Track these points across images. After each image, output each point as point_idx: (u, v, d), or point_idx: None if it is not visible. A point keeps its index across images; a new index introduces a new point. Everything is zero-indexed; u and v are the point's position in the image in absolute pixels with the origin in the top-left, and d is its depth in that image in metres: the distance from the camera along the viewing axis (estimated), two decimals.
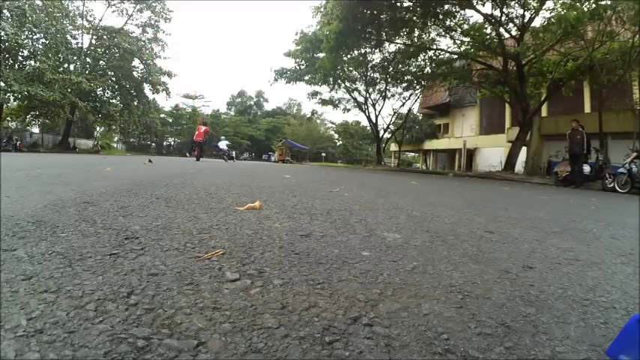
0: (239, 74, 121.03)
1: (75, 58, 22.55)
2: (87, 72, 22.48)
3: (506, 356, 0.73)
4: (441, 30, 15.85)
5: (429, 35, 16.66)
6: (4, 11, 17.61)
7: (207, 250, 1.31)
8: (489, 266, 1.35)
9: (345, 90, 24.49)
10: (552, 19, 10.66)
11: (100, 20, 23.83)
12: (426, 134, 29.36)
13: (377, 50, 18.83)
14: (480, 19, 13.82)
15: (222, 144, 19.36)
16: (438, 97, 25.71)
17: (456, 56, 16.27)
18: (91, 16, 23.52)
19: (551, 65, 13.93)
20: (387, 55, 19.20)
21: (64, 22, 20.97)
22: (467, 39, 14.49)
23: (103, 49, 23.84)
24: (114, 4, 23.59)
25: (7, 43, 17.54)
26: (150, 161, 9.80)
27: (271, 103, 71.43)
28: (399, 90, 23.70)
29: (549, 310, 0.97)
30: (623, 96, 13.23)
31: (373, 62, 20.66)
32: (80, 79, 19.49)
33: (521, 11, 12.97)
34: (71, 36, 22.49)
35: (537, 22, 12.67)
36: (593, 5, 9.96)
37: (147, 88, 26.93)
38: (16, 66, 19.24)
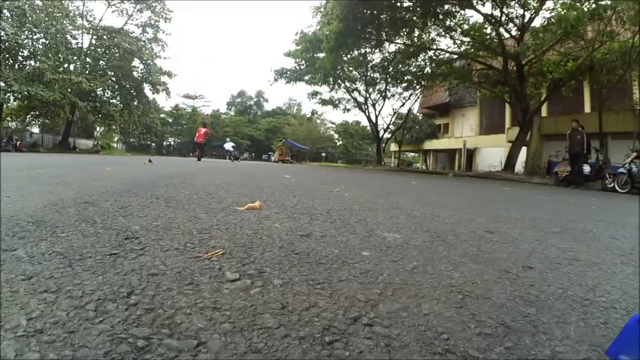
0: (239, 74, 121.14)
1: (75, 58, 22.55)
2: (87, 72, 22.47)
3: (506, 356, 0.73)
4: (441, 30, 15.85)
5: (429, 35, 16.66)
6: (4, 11, 17.61)
7: (207, 250, 1.31)
8: (489, 266, 1.35)
9: (345, 90, 24.51)
10: (552, 19, 10.66)
11: (100, 20, 23.85)
12: (426, 134, 29.36)
13: (377, 50, 18.84)
14: (480, 19, 13.85)
15: (228, 145, 21.06)
16: (438, 97, 25.72)
17: (456, 56, 16.28)
18: (91, 16, 23.56)
19: (551, 65, 13.93)
20: (387, 55, 19.21)
21: (64, 22, 20.96)
22: (467, 39, 14.50)
23: (103, 49, 23.83)
24: (114, 4, 23.60)
25: (7, 43, 17.54)
26: (150, 161, 9.80)
27: (271, 103, 71.52)
28: (399, 90, 23.72)
29: (549, 310, 0.97)
30: (623, 96, 13.23)
31: (373, 62, 20.68)
32: (80, 79, 19.49)
33: (521, 11, 12.98)
34: (71, 36, 22.49)
35: (537, 22, 12.69)
36: (593, 5, 9.96)
37: (147, 88, 26.93)
38: (16, 66, 19.23)
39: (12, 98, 19.82)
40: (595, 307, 1.02)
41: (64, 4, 21.47)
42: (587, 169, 9.21)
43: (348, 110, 26.50)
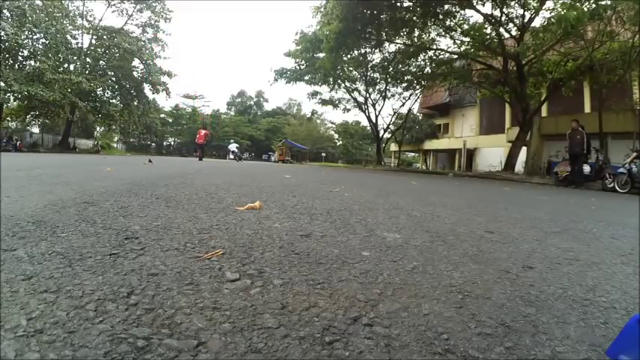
0: (239, 74, 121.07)
1: (75, 58, 22.54)
2: (87, 72, 22.47)
3: (506, 356, 0.73)
4: (441, 30, 15.85)
5: (429, 35, 16.66)
6: (4, 11, 17.61)
7: (207, 250, 1.31)
8: (489, 266, 1.35)
9: (345, 90, 24.51)
10: (552, 19, 10.66)
11: (100, 20, 23.84)
12: (426, 134, 29.36)
13: (377, 50, 18.84)
14: (480, 19, 13.85)
15: (233, 146, 23.34)
16: (438, 97, 25.71)
17: (456, 56, 16.27)
18: (91, 16, 23.55)
19: (551, 65, 13.93)
20: (387, 55, 19.21)
21: (64, 22, 20.95)
22: (467, 39, 14.50)
23: (103, 49, 23.83)
24: (114, 4, 23.59)
25: (7, 43, 17.54)
26: (150, 161, 9.80)
27: (271, 103, 71.49)
28: (399, 90, 23.71)
29: (549, 310, 0.97)
30: (623, 96, 13.23)
31: (373, 62, 20.68)
32: (80, 79, 19.49)
33: (521, 11, 12.98)
34: (71, 36, 22.48)
35: (537, 22, 12.69)
36: (593, 5, 9.96)
37: (147, 88, 26.93)
38: (16, 66, 19.23)
39: (12, 98, 19.82)
40: (595, 307, 1.02)
41: (64, 4, 21.46)
42: (587, 169, 9.21)
43: (348, 110, 26.54)
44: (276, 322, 0.80)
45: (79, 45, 23.19)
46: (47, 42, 19.91)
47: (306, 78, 22.72)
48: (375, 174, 10.65)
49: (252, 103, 58.78)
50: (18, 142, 20.83)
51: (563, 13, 9.69)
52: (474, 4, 13.28)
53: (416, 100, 25.65)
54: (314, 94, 25.73)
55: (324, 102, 26.47)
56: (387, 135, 27.84)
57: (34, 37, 19.96)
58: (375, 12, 13.79)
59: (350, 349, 0.71)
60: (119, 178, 4.04)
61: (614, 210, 4.15)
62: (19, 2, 17.73)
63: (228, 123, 47.96)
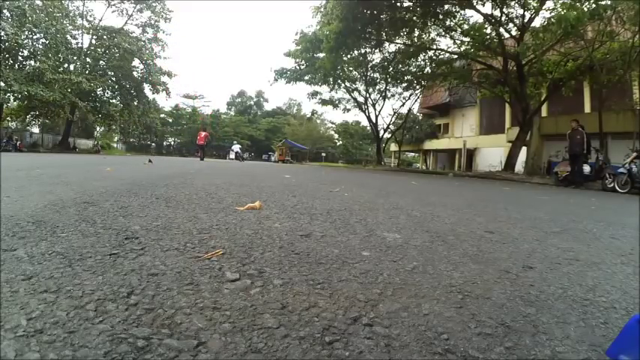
0: (239, 74, 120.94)
1: (75, 58, 22.54)
2: (87, 72, 22.46)
3: (506, 356, 0.73)
4: (441, 30, 15.85)
5: (429, 35, 16.66)
6: (4, 11, 17.61)
7: (207, 250, 1.31)
8: (489, 266, 1.35)
9: (345, 90, 24.50)
10: (552, 19, 10.66)
11: (100, 20, 23.84)
12: (426, 134, 29.36)
13: (377, 50, 18.83)
14: (480, 19, 13.85)
15: (236, 147, 25.11)
16: (438, 97, 25.71)
17: (456, 56, 16.27)
18: (91, 16, 23.54)
19: (551, 65, 13.93)
20: (387, 55, 19.20)
21: (64, 22, 20.95)
22: (467, 39, 14.49)
23: (103, 49, 23.83)
24: (114, 4, 23.59)
25: (7, 43, 17.54)
26: (150, 161, 9.81)
27: (271, 103, 71.46)
28: (399, 90, 23.71)
29: (549, 310, 0.97)
30: (623, 96, 13.23)
31: (373, 62, 20.67)
32: (80, 79, 19.49)
33: (521, 11, 12.98)
34: (71, 36, 22.48)
35: (537, 22, 12.69)
36: (593, 5, 9.96)
37: (147, 88, 26.93)
38: (16, 66, 19.23)
39: (12, 98, 19.82)
40: (595, 307, 1.02)
41: (64, 4, 21.46)
42: (587, 169, 9.20)
43: (348, 110, 26.52)
44: (276, 322, 0.80)
45: (79, 45, 23.21)
46: (47, 42, 19.91)
47: (306, 78, 22.71)
48: (375, 174, 10.65)
49: (252, 103, 58.76)
50: (18, 142, 20.81)
51: (563, 13, 9.69)
52: (474, 4, 13.28)
53: (416, 100, 25.66)
54: (314, 94, 25.74)
55: (324, 102, 26.47)
56: (387, 135, 27.85)
57: (34, 37, 19.97)
58: (375, 12, 13.79)
59: (350, 349, 0.71)
60: (119, 178, 4.04)
61: (614, 210, 4.15)
62: (19, 2, 17.73)
63: (228, 123, 47.94)
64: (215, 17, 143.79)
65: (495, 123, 22.84)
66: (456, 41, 15.67)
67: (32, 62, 19.84)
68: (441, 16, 14.44)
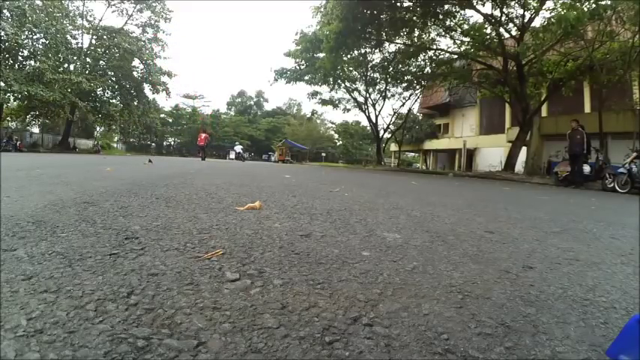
0: (239, 74, 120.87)
1: (75, 58, 22.55)
2: (87, 72, 22.47)
3: (506, 356, 0.73)
4: (441, 30, 15.85)
5: (429, 35, 16.66)
6: (4, 11, 17.61)
7: (207, 250, 1.31)
8: (489, 266, 1.35)
9: (345, 90, 24.50)
10: (552, 19, 10.66)
11: (100, 20, 23.85)
12: (426, 134, 29.36)
13: (377, 50, 18.83)
14: (480, 19, 13.85)
15: (238, 148, 26.52)
16: (438, 97, 25.71)
17: (456, 56, 16.27)
18: (91, 16, 23.55)
19: (551, 65, 13.93)
20: (387, 55, 19.20)
21: (64, 22, 20.96)
22: (467, 39, 14.49)
23: (103, 49, 23.83)
24: (114, 4, 23.60)
25: (7, 43, 17.54)
26: (150, 161, 9.81)
27: (271, 103, 71.43)
28: (399, 90, 23.71)
29: (549, 310, 0.97)
30: (623, 96, 13.22)
31: (373, 62, 20.67)
32: (80, 79, 19.49)
33: (521, 11, 12.98)
34: (71, 36, 22.48)
35: (537, 22, 12.69)
36: (593, 5, 9.96)
37: (147, 88, 26.94)
38: (16, 66, 19.24)
39: (12, 98, 19.82)
40: (595, 307, 1.02)
41: (64, 4, 21.47)
42: (587, 169, 9.20)
43: (348, 110, 26.53)
44: (276, 322, 0.80)
45: (79, 45, 23.22)
46: (47, 42, 19.92)
47: (306, 78, 22.71)
48: (375, 174, 10.65)
49: (252, 103, 58.75)
50: (18, 142, 20.81)
51: (563, 13, 9.69)
52: (474, 4, 13.28)
53: (416, 100, 25.66)
54: (314, 94, 25.74)
55: (324, 102, 26.47)
56: (387, 135, 27.85)
57: (34, 37, 19.98)
58: (375, 12, 13.79)
59: (350, 349, 0.71)
60: (119, 178, 4.04)
61: (614, 210, 4.15)
62: (19, 2, 17.73)
63: (228, 123, 47.95)
64: (215, 17, 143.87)
65: (495, 123, 22.84)
66: (456, 41, 15.68)
67: (32, 62, 19.86)
68: (441, 16, 14.44)
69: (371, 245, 1.55)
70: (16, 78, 17.27)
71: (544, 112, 16.84)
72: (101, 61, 24.54)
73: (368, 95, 24.46)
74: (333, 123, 46.64)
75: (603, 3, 10.13)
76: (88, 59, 23.37)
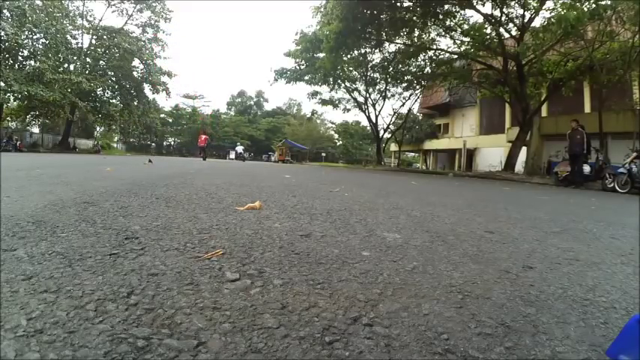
0: (239, 74, 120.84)
1: (75, 58, 22.55)
2: (87, 72, 22.48)
3: (506, 356, 0.73)
4: (441, 30, 15.85)
5: (429, 35, 16.66)
6: (4, 11, 17.61)
7: (207, 250, 1.31)
8: (489, 266, 1.35)
9: (345, 90, 24.50)
10: (552, 19, 10.65)
11: (100, 20, 23.86)
12: (426, 134, 29.36)
13: (377, 50, 18.83)
14: (480, 19, 13.85)
15: (240, 148, 27.81)
16: (438, 97, 25.71)
17: (456, 56, 16.27)
18: (91, 16, 23.57)
19: (551, 65, 13.93)
20: (387, 55, 19.20)
21: (64, 22, 20.96)
22: (467, 39, 14.49)
23: (103, 49, 23.84)
24: (114, 4, 23.61)
25: (7, 43, 17.54)
26: (150, 161, 9.81)
27: (271, 103, 71.42)
28: (399, 90, 23.71)
29: (549, 310, 0.97)
30: (623, 96, 13.22)
31: (373, 62, 20.67)
32: (80, 79, 19.50)
33: (521, 11, 12.98)
34: (71, 36, 22.49)
35: (537, 22, 12.69)
36: (593, 5, 9.96)
37: (147, 88, 26.95)
38: (16, 66, 19.24)
39: (12, 98, 19.82)
40: (595, 307, 1.02)
41: (64, 4, 21.47)
42: (587, 169, 9.20)
43: (348, 110, 26.53)
44: (276, 322, 0.80)
45: (79, 45, 23.23)
46: (47, 42, 19.92)
47: (306, 78, 22.71)
48: (375, 174, 10.65)
49: (252, 103, 58.75)
50: (18, 142, 20.81)
51: (563, 13, 9.69)
52: (474, 4, 13.28)
53: (416, 100, 25.66)
54: (314, 94, 25.74)
55: (324, 102, 26.47)
56: (387, 135, 27.85)
57: (34, 37, 19.99)
58: (375, 12, 13.79)
59: (350, 349, 0.71)
60: (119, 178, 4.04)
61: (614, 210, 4.15)
62: (19, 2, 17.73)
63: (228, 123, 47.96)
64: (215, 17, 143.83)
65: (495, 123, 22.84)
66: (456, 41, 15.68)
67: (32, 62, 19.86)
68: (441, 16, 14.44)
69: (371, 245, 1.55)
70: (16, 78, 17.28)
71: (544, 112, 16.84)
72: (101, 61, 24.56)
73: (368, 95, 24.47)
74: (333, 123, 46.71)
75: (603, 3, 10.12)
76: (88, 59, 23.38)
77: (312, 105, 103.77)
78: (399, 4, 13.93)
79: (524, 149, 14.01)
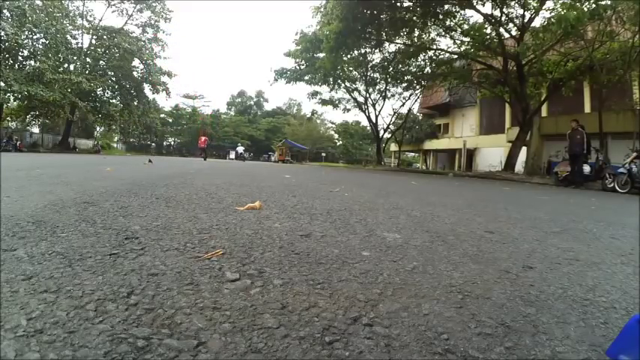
0: (239, 74, 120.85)
1: (75, 58, 22.56)
2: (87, 72, 22.49)
3: (506, 356, 0.73)
4: (441, 30, 15.85)
5: (429, 35, 16.66)
6: (4, 11, 17.61)
7: (207, 250, 1.31)
8: (489, 266, 1.35)
9: (345, 90, 24.51)
10: (552, 19, 10.65)
11: (100, 20, 23.88)
12: (426, 134, 29.35)
13: (377, 50, 18.83)
14: (480, 19, 13.85)
15: (240, 149, 28.54)
16: (438, 97, 25.71)
17: (456, 56, 16.27)
18: (91, 16, 23.59)
19: (551, 65, 13.93)
20: (387, 55, 19.20)
21: (64, 22, 20.97)
22: (467, 39, 14.49)
23: (103, 49, 23.85)
24: (114, 4, 23.61)
25: (7, 43, 17.54)
26: (150, 161, 9.81)
27: (271, 103, 71.43)
28: (399, 90, 23.71)
29: (549, 310, 0.97)
30: (623, 96, 13.22)
31: (373, 62, 20.67)
32: (80, 79, 19.50)
33: (521, 11, 12.98)
34: (71, 36, 22.50)
35: (537, 22, 12.69)
36: (593, 5, 9.95)
37: (147, 88, 26.97)
38: (16, 66, 19.25)
39: (12, 98, 19.83)
40: (595, 307, 1.02)
41: (64, 4, 21.48)
42: (587, 169, 9.20)
43: (348, 110, 26.53)
44: (276, 322, 0.80)
45: (79, 45, 23.24)
46: (47, 42, 19.92)
47: (306, 78, 22.71)
48: (375, 174, 10.65)
49: (252, 103, 58.76)
50: (18, 142, 20.81)
51: (563, 13, 9.68)
52: (474, 4, 13.28)
53: (416, 100, 25.66)
54: (314, 94, 25.74)
55: (324, 102, 26.47)
56: (387, 135, 27.85)
57: (34, 37, 19.99)
58: (375, 12, 13.79)
59: (350, 349, 0.71)
60: (119, 178, 4.04)
61: (614, 210, 4.15)
62: (19, 2, 17.73)
63: (228, 123, 47.96)
64: (215, 17, 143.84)
65: (495, 123, 22.84)
66: (456, 41, 15.68)
67: (32, 62, 19.87)
68: (441, 16, 14.44)
69: (371, 245, 1.55)
70: (16, 78, 17.28)
71: (544, 112, 16.84)
72: (101, 61, 24.57)
73: (368, 95, 24.47)
74: (333, 123, 46.71)
75: (603, 3, 10.12)
76: (88, 59, 23.39)
77: (312, 105, 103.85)
78: (399, 4, 13.93)
79: (524, 149, 14.01)
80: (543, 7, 11.93)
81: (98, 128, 35.36)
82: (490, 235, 1.95)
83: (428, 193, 4.69)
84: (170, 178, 4.32)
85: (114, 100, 26.31)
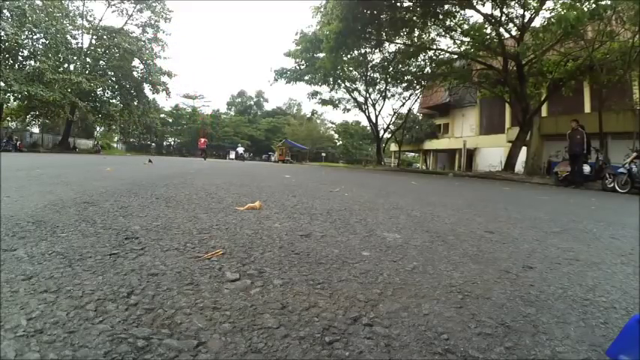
0: (239, 74, 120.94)
1: (75, 58, 22.56)
2: (87, 72, 22.49)
3: (506, 356, 0.73)
4: (441, 30, 15.86)
5: (429, 35, 16.66)
6: (4, 11, 17.62)
7: (207, 250, 1.31)
8: (489, 266, 1.35)
9: (345, 90, 24.51)
10: (552, 19, 10.65)
11: (100, 20, 23.88)
12: (426, 134, 29.35)
13: (377, 50, 18.84)
14: (480, 19, 13.85)
15: (240, 149, 29.67)
16: (438, 97, 25.71)
17: (456, 56, 16.27)
18: (91, 16, 23.59)
19: (551, 65, 13.93)
20: (387, 55, 19.21)
21: (64, 22, 20.97)
22: (467, 39, 14.50)
23: (103, 49, 23.85)
24: (114, 4, 23.62)
25: (7, 43, 17.54)
26: (150, 161, 9.82)
27: (271, 103, 71.44)
28: (399, 90, 23.71)
29: (549, 310, 0.97)
30: (623, 96, 13.22)
31: (373, 62, 20.68)
32: (80, 79, 19.50)
33: (521, 11, 12.98)
34: (71, 36, 22.51)
35: (537, 22, 12.69)
36: (593, 5, 9.95)
37: (147, 88, 26.98)
38: (16, 66, 19.25)
39: (12, 98, 19.83)
40: (595, 307, 1.02)
41: (64, 4, 21.48)
42: (587, 169, 9.20)
43: (348, 110, 26.54)
44: (276, 322, 0.80)
45: (79, 45, 23.24)
46: (47, 42, 19.93)
47: (306, 78, 22.72)
48: (375, 174, 10.65)
49: (252, 103, 58.76)
50: (18, 142, 20.80)
51: (563, 13, 9.68)
52: (474, 4, 13.28)
53: (416, 100, 25.66)
54: (314, 94, 25.75)
55: (324, 102, 26.48)
56: (387, 135, 27.85)
57: (34, 37, 20.00)
58: (375, 12, 13.79)
59: (350, 349, 0.71)
60: (119, 178, 4.04)
61: (614, 210, 4.15)
62: (19, 2, 17.73)
63: (228, 123, 47.96)
64: (215, 17, 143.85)
65: (495, 123, 22.84)
66: (456, 41, 15.68)
67: (32, 62, 19.87)
68: (441, 16, 14.44)
69: (371, 245, 1.55)
70: (16, 78, 17.28)
71: (544, 112, 16.84)
72: (101, 61, 24.57)
73: (368, 95, 24.47)
74: (333, 123, 46.73)
75: (603, 3, 10.12)
76: (88, 59, 23.39)
77: (312, 105, 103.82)
78: (399, 4, 13.94)
79: (524, 149, 14.01)
80: (543, 7, 11.93)
81: (98, 128, 35.37)
82: (490, 235, 1.95)
83: (428, 193, 4.69)
84: (170, 178, 4.32)
85: (114, 100, 26.32)
